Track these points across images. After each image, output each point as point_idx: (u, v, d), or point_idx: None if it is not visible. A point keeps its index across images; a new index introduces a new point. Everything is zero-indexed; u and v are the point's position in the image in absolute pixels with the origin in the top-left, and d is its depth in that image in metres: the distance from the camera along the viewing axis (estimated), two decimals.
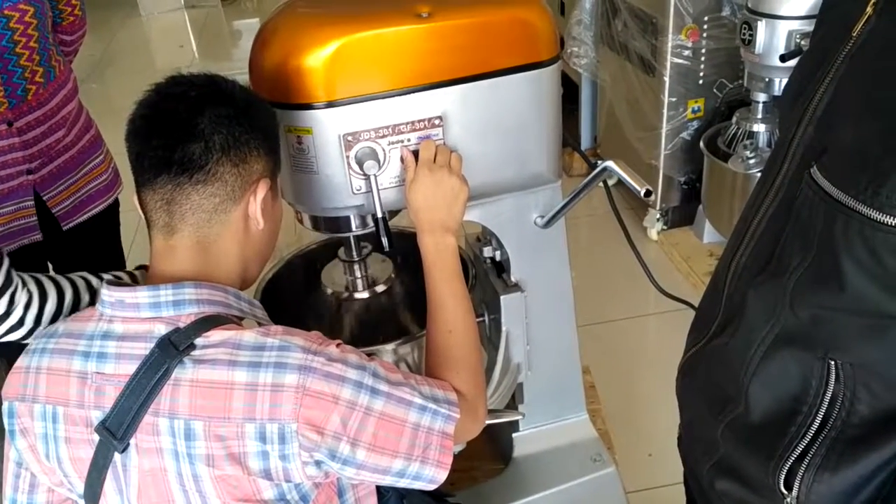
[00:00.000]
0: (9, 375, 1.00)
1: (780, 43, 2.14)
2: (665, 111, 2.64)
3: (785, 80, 2.26)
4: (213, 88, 0.97)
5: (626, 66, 2.84)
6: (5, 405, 0.99)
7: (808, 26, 2.10)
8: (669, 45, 2.52)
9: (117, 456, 0.92)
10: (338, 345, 0.94)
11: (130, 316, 0.93)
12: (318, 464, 0.91)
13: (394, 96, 1.14)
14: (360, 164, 1.16)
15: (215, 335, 0.91)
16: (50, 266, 1.84)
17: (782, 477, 0.78)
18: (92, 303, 1.09)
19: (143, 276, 1.16)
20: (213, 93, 0.96)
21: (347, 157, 1.16)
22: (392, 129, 1.16)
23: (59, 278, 1.13)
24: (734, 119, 2.51)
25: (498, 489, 1.57)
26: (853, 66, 0.71)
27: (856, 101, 0.70)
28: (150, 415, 0.89)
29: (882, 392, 0.72)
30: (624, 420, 2.10)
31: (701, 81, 2.61)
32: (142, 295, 0.93)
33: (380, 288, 1.43)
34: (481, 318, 1.51)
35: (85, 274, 1.16)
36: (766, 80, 2.27)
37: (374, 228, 1.19)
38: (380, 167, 1.17)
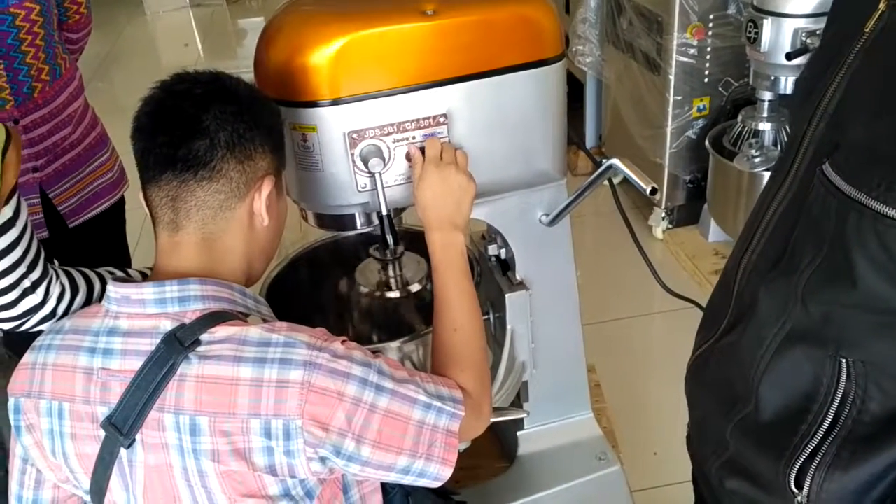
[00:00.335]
0: (15, 372, 1.00)
1: (785, 41, 2.14)
2: (670, 110, 2.63)
3: (791, 79, 2.27)
4: (219, 85, 0.97)
5: (631, 65, 2.83)
6: (11, 401, 0.99)
7: (814, 24, 2.10)
8: (675, 43, 2.51)
9: (123, 452, 0.92)
10: (343, 341, 0.94)
11: (136, 312, 0.94)
12: (322, 460, 0.91)
13: (399, 94, 1.14)
14: (365, 161, 1.16)
15: (220, 331, 0.91)
16: (56, 263, 1.85)
17: (793, 475, 0.78)
18: None
19: None
20: (218, 90, 0.97)
21: (352, 154, 1.16)
22: (397, 127, 1.16)
23: (87, 272, 1.14)
24: (740, 117, 2.50)
25: (502, 487, 1.57)
26: (866, 62, 0.71)
27: (869, 96, 0.70)
28: (156, 410, 0.89)
29: (894, 390, 0.71)
30: (629, 419, 2.09)
31: (706, 80, 2.60)
32: (147, 291, 0.93)
33: (414, 288, 1.41)
34: (486, 317, 1.50)
35: (111, 269, 1.17)
36: (772, 78, 2.26)
37: (378, 226, 1.19)
38: (384, 165, 1.17)
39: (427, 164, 1.14)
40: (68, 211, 1.77)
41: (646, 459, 2.00)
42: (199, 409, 0.88)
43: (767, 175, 2.36)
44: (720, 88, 2.63)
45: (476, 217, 1.30)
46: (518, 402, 1.57)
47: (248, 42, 5.98)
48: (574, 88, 3.22)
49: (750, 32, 2.20)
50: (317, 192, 1.21)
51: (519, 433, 1.61)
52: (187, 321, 0.91)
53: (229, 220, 0.97)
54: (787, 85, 2.25)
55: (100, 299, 1.12)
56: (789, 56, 2.12)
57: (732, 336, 0.85)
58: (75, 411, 0.94)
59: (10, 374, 1.01)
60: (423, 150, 1.17)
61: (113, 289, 0.96)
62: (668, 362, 2.38)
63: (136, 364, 0.91)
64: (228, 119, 0.95)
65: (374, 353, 0.98)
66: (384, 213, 1.17)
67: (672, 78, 2.57)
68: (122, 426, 0.90)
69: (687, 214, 2.90)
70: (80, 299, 1.11)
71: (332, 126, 1.14)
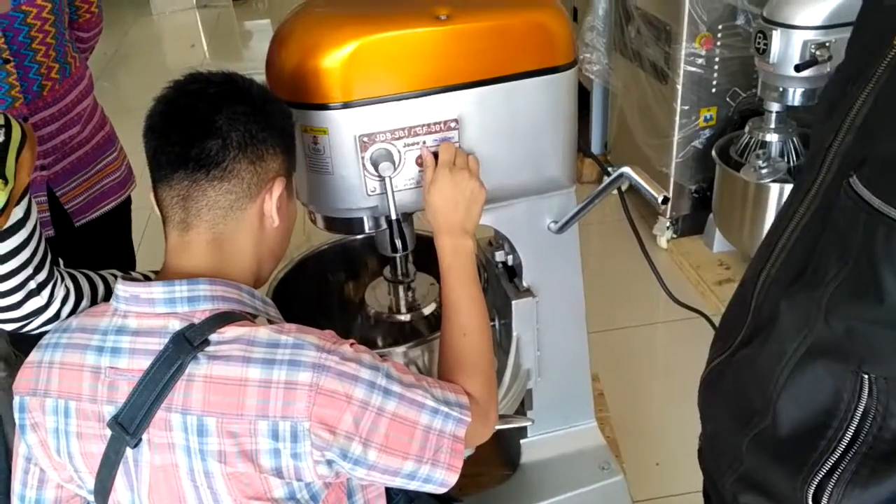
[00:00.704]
0: (20, 370, 1.00)
1: (795, 53, 2.13)
2: (677, 119, 2.63)
3: (799, 90, 2.26)
4: (231, 86, 0.97)
5: (638, 74, 2.83)
6: (16, 400, 0.99)
7: (824, 36, 2.09)
8: (683, 52, 2.51)
9: (129, 451, 0.91)
10: (351, 344, 0.94)
11: (145, 311, 0.93)
12: (329, 463, 0.90)
13: (410, 98, 1.14)
14: (376, 165, 1.16)
15: (230, 331, 0.91)
16: (61, 262, 1.84)
17: (811, 492, 0.77)
18: None
19: None
20: (231, 90, 0.97)
21: (363, 158, 1.16)
22: (408, 131, 1.16)
23: (91, 274, 1.14)
24: (747, 128, 2.50)
25: (505, 495, 1.57)
26: (895, 76, 0.70)
27: None
28: (163, 410, 0.89)
29: None
30: (632, 428, 2.08)
31: (714, 90, 2.60)
32: (157, 290, 0.93)
33: (427, 310, 1.41)
34: (492, 323, 1.50)
35: (115, 271, 1.18)
36: (780, 89, 2.26)
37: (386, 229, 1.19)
38: (395, 169, 1.17)
39: (440, 169, 1.14)
40: (75, 209, 1.77)
41: (648, 470, 1.99)
42: (207, 410, 0.88)
43: (774, 186, 2.37)
44: (728, 99, 2.63)
45: (484, 223, 1.30)
46: (522, 409, 1.56)
47: (254, 44, 5.99)
48: (580, 96, 3.21)
49: (759, 43, 2.20)
50: (326, 195, 1.21)
51: (522, 441, 1.61)
52: (196, 321, 0.91)
53: (240, 220, 0.97)
54: (795, 96, 2.25)
55: (103, 302, 1.12)
56: (798, 68, 2.12)
57: (749, 349, 0.84)
58: (82, 410, 0.93)
59: (16, 372, 1.01)
60: (435, 154, 1.16)
61: (122, 287, 0.95)
62: (672, 372, 2.37)
63: (145, 363, 0.90)
64: (241, 119, 0.95)
65: (382, 356, 0.98)
66: (394, 217, 1.16)
67: (679, 87, 2.57)
68: (128, 425, 0.90)
69: (692, 224, 2.90)
70: (84, 303, 1.11)
71: (343, 129, 1.14)
